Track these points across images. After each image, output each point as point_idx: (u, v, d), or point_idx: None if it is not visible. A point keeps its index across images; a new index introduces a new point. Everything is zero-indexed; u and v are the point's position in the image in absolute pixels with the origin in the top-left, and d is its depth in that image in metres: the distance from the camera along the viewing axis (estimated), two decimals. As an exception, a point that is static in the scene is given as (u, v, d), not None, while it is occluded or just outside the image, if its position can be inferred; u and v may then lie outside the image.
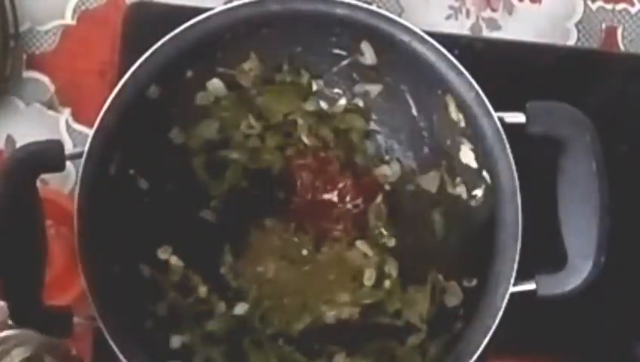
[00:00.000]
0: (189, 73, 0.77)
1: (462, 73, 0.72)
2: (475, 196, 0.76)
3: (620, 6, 0.89)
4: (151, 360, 0.71)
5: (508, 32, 0.89)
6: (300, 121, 0.81)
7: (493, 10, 0.89)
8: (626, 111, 0.86)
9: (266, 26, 0.77)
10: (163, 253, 0.79)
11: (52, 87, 0.86)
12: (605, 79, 0.86)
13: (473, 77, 0.72)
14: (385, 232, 0.81)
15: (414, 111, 0.80)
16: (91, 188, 0.71)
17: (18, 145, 0.84)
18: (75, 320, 0.70)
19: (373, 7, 0.74)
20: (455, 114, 0.75)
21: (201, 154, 0.80)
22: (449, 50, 0.73)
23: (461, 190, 0.78)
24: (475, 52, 0.86)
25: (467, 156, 0.76)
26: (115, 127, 0.72)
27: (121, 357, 0.69)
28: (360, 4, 0.73)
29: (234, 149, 0.81)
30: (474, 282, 0.74)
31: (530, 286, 0.70)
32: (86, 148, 0.71)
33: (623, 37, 0.89)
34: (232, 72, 0.79)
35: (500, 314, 0.69)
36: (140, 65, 0.73)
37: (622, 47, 0.89)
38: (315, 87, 0.81)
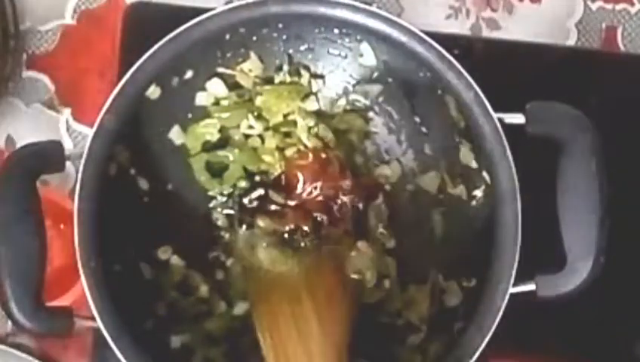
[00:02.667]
0: (189, 73, 0.77)
1: (461, 73, 0.72)
2: (475, 196, 0.76)
3: (620, 6, 0.89)
4: (151, 360, 0.70)
5: (508, 32, 0.89)
6: (300, 122, 0.81)
7: (493, 10, 0.89)
8: (626, 111, 0.86)
9: (266, 26, 0.77)
10: (163, 253, 0.78)
11: (52, 87, 0.87)
12: (605, 79, 0.86)
13: (473, 77, 0.72)
14: (385, 232, 0.81)
15: (414, 112, 0.80)
16: (91, 189, 0.71)
17: (18, 145, 0.85)
18: (75, 320, 0.70)
19: (373, 8, 0.73)
20: (455, 114, 0.75)
21: (201, 154, 0.80)
22: (449, 50, 0.73)
23: (461, 190, 0.78)
24: (475, 52, 0.86)
25: (467, 156, 0.76)
26: (115, 127, 0.72)
27: (120, 357, 0.69)
28: (360, 4, 0.73)
29: (234, 149, 0.81)
30: (473, 282, 0.74)
31: (529, 286, 0.70)
32: (86, 149, 0.71)
33: (623, 37, 0.89)
34: (232, 72, 0.79)
35: (500, 314, 0.69)
36: (140, 65, 0.73)
37: (622, 47, 0.89)
38: (315, 87, 0.81)
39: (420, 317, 0.78)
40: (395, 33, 0.73)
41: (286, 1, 0.74)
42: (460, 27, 0.89)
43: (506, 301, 0.70)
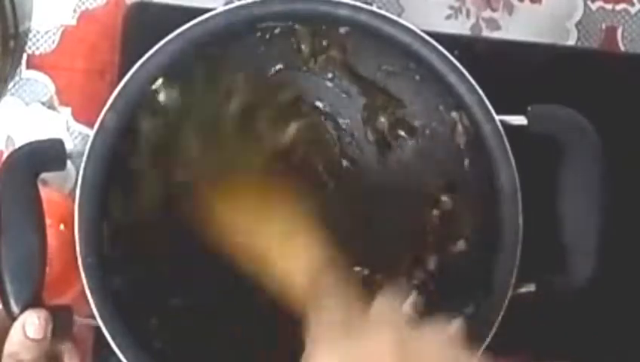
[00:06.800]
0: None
1: (464, 76, 0.72)
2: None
3: (620, 6, 0.89)
4: (151, 360, 0.70)
5: (508, 32, 0.89)
6: None
7: (493, 10, 0.89)
8: (626, 111, 0.86)
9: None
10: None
11: (52, 87, 0.86)
12: (605, 79, 0.86)
13: (472, 77, 0.72)
14: None
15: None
16: (92, 188, 0.71)
17: (18, 145, 0.84)
18: (75, 319, 0.70)
19: (375, 8, 0.73)
20: (456, 115, 0.75)
21: None
22: (449, 51, 0.73)
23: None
24: (475, 52, 0.86)
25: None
26: (116, 127, 0.72)
27: (121, 356, 0.69)
28: (362, 4, 0.73)
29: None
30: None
31: (530, 287, 0.71)
32: (87, 148, 0.71)
33: (623, 37, 0.89)
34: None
35: (501, 315, 0.69)
36: (141, 66, 0.73)
37: (622, 47, 0.89)
38: None
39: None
40: (397, 34, 0.73)
41: (287, 0, 0.74)
42: (460, 27, 0.89)
43: (506, 302, 0.70)
